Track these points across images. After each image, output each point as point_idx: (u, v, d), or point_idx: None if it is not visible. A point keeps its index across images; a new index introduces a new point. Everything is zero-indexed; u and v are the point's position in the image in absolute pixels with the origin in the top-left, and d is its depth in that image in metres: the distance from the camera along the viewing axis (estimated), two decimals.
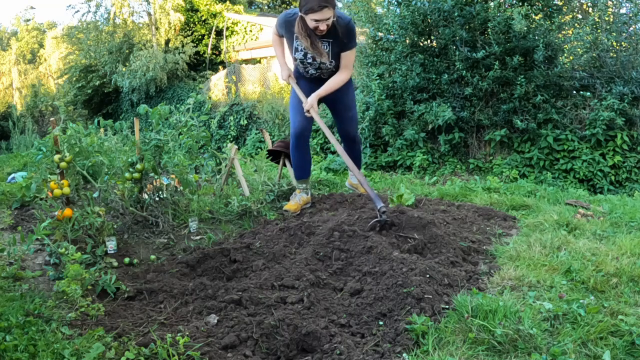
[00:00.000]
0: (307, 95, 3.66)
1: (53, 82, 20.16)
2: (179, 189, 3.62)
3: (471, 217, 3.53)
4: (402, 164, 6.38)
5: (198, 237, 3.33)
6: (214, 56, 15.45)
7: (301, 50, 3.55)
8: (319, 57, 3.53)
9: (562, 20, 6.09)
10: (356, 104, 3.96)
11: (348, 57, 3.56)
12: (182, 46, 14.40)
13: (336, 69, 3.62)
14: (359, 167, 3.88)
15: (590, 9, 6.38)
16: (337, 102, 3.82)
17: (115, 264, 2.78)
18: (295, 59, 3.67)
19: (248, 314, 2.15)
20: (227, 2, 15.96)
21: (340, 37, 3.42)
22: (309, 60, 3.58)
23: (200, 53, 15.06)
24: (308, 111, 3.55)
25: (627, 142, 5.63)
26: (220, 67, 14.76)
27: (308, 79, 3.76)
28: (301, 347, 1.94)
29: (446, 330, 1.92)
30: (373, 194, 3.13)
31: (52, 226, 2.83)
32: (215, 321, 2.12)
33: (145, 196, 3.45)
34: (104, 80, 14.44)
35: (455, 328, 1.93)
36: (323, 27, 3.25)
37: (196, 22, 15.41)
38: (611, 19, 6.04)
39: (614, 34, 5.86)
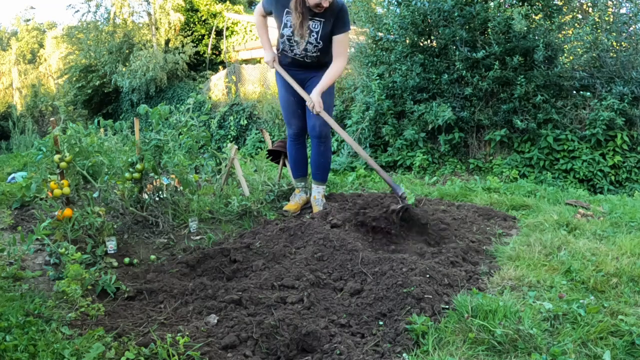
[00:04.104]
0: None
1: (53, 82, 20.14)
2: (179, 189, 3.62)
3: (471, 217, 3.53)
4: (402, 164, 6.37)
5: (198, 237, 3.33)
6: (214, 56, 15.44)
7: (290, 27, 3.46)
8: (301, 40, 3.44)
9: (562, 20, 6.09)
10: (334, 104, 3.83)
11: (341, 43, 3.46)
12: (182, 46, 14.40)
13: (321, 53, 3.52)
14: (323, 175, 3.81)
15: (590, 9, 6.37)
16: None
17: (115, 264, 2.78)
18: (282, 36, 3.54)
19: (248, 314, 2.15)
20: (227, 2, 15.96)
21: (333, 18, 3.38)
22: (296, 39, 3.48)
23: (200, 53, 15.06)
24: (318, 112, 3.42)
25: (627, 142, 5.63)
26: (220, 67, 14.76)
27: (290, 61, 3.65)
28: (301, 347, 1.93)
29: (446, 330, 1.92)
30: (391, 180, 3.19)
31: (52, 226, 2.83)
32: (215, 321, 2.11)
33: (145, 196, 3.45)
34: (104, 80, 14.44)
35: (455, 328, 1.93)
36: (326, 3, 3.25)
37: (196, 22, 15.42)
38: (611, 19, 6.03)
39: (614, 34, 5.86)
